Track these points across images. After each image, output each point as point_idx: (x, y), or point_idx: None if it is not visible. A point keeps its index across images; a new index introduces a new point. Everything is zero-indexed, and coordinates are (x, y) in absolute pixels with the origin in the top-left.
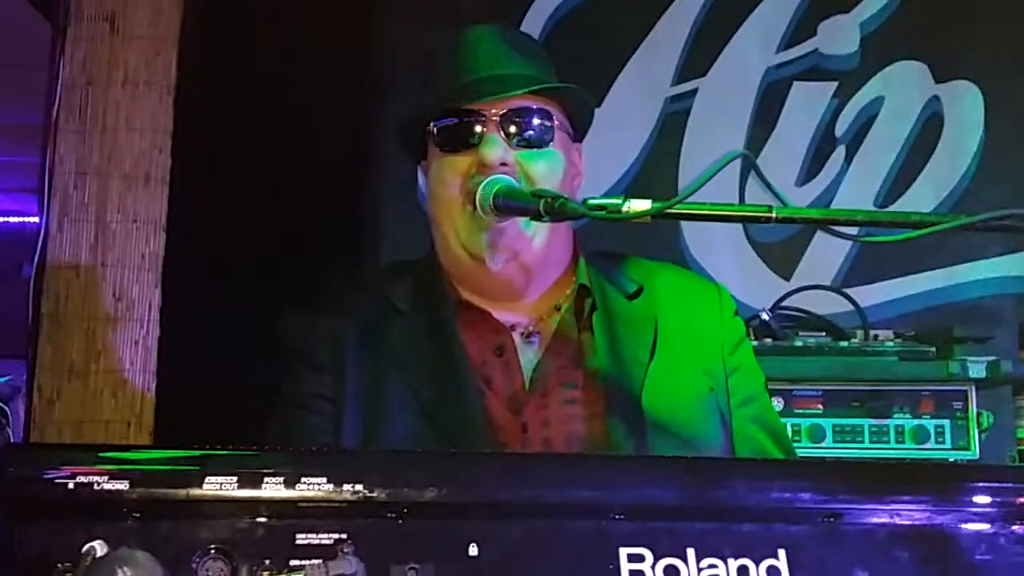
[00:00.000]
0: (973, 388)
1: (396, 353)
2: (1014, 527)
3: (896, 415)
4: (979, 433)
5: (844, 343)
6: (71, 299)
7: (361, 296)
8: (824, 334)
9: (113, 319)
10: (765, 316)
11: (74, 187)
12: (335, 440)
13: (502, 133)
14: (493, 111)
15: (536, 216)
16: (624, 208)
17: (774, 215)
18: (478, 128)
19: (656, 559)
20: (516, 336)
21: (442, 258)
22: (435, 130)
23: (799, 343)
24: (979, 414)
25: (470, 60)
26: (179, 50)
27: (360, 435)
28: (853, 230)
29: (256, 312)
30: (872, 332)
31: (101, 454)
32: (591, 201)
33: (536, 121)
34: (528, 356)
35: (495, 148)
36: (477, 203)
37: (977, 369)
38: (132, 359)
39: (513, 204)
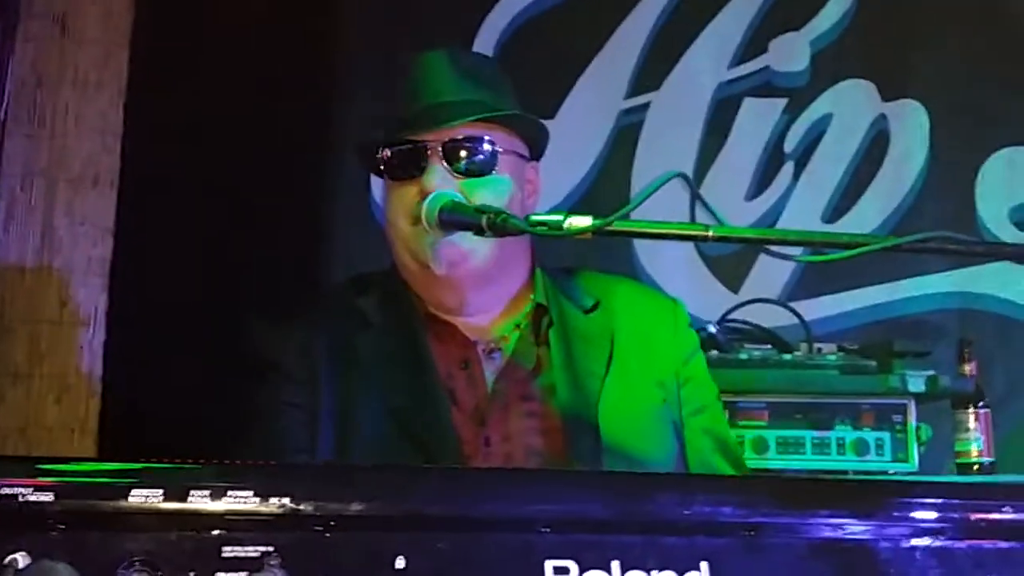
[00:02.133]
0: (913, 402)
1: (367, 365)
2: (930, 542)
3: (838, 427)
4: (918, 446)
5: (788, 356)
6: (15, 302)
7: (328, 308)
8: (769, 347)
9: (58, 323)
10: (712, 329)
11: (21, 188)
12: (311, 450)
13: (444, 163)
14: (435, 141)
15: (479, 231)
16: (565, 224)
17: (711, 234)
18: (421, 158)
19: (582, 571)
20: (480, 351)
21: (399, 269)
22: (384, 156)
23: (744, 356)
24: (918, 427)
25: (419, 87)
26: (130, 52)
27: (333, 446)
28: (793, 250)
29: (206, 318)
30: (816, 345)
31: (25, 465)
32: (533, 218)
33: (479, 149)
34: (490, 371)
35: (435, 178)
36: (423, 217)
37: (916, 383)
38: (77, 364)
39: (457, 219)
